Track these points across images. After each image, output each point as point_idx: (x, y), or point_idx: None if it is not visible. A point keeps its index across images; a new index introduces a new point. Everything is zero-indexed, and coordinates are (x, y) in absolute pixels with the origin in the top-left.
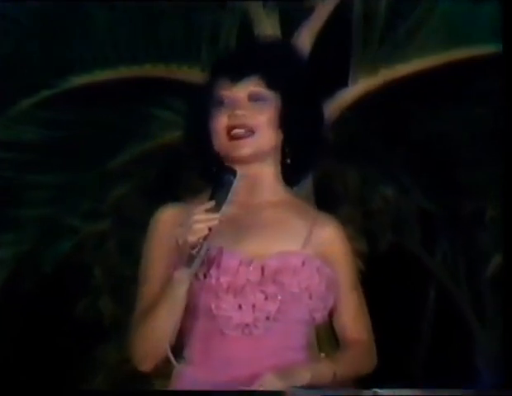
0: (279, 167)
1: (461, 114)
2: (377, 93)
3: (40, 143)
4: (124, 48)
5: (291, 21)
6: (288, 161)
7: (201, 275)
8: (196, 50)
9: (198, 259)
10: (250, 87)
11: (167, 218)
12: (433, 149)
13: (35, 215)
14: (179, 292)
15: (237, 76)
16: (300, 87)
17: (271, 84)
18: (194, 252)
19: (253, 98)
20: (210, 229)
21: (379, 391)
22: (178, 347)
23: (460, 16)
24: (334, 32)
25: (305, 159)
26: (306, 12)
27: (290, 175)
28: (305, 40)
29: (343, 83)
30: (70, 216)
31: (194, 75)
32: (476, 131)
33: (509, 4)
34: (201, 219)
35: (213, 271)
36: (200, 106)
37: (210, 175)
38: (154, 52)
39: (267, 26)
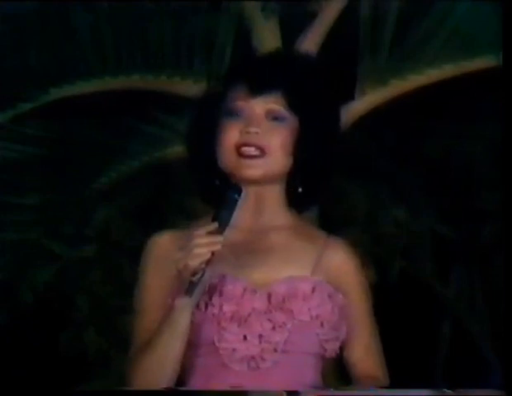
0: (285, 191)
1: (478, 130)
2: (387, 107)
3: (16, 161)
4: (109, 56)
5: (292, 27)
6: (300, 190)
7: (202, 305)
8: (189, 60)
9: (200, 286)
10: (270, 103)
11: (163, 242)
12: (449, 168)
13: (13, 240)
14: (181, 322)
15: (258, 88)
16: (321, 113)
17: (292, 105)
18: (195, 278)
19: (271, 116)
20: (212, 254)
21: None
22: (179, 383)
23: (478, 23)
24: (339, 39)
25: (317, 187)
26: (309, 17)
27: (299, 202)
28: (308, 48)
29: (349, 96)
30: (51, 241)
31: (186, 87)
32: (497, 149)
33: None
34: (202, 242)
35: (215, 300)
36: (207, 113)
37: (211, 190)
38: (142, 61)
39: (266, 32)
